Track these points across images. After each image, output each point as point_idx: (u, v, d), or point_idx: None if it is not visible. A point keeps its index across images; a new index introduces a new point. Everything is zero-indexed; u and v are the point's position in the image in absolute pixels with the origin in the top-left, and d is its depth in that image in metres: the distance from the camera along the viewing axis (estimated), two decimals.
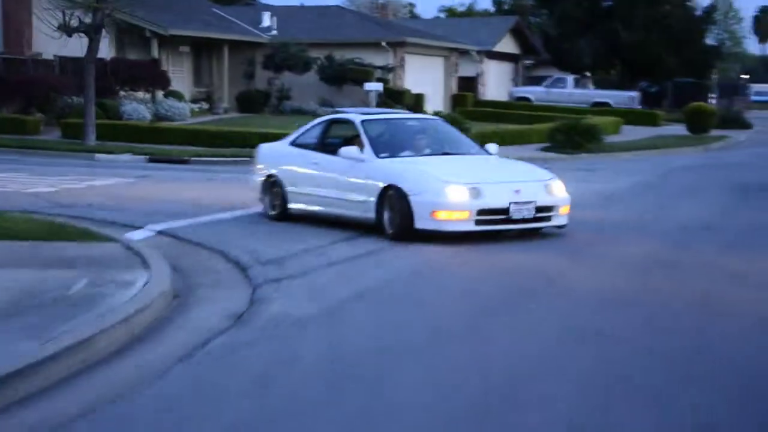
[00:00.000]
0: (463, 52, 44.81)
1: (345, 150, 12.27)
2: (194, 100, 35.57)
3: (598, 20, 50.27)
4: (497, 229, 11.38)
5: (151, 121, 30.41)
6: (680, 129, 36.53)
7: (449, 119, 24.73)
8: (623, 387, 5.87)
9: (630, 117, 39.90)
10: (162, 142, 26.99)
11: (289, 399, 5.65)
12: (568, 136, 26.28)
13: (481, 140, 21.89)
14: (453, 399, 5.62)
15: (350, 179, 12.09)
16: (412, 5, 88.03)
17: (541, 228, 11.76)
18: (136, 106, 31.01)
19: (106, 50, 32.53)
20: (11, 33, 34.04)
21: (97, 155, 24.77)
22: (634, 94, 46.92)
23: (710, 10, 53.77)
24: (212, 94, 37.43)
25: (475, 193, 11.33)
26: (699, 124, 34.94)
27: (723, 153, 29.23)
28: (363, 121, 12.72)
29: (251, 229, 12.38)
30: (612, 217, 13.97)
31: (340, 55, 37.94)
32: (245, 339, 6.98)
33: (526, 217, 11.50)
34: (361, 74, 37.15)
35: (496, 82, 49.59)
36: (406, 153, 12.40)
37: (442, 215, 11.17)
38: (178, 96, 33.63)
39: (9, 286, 7.81)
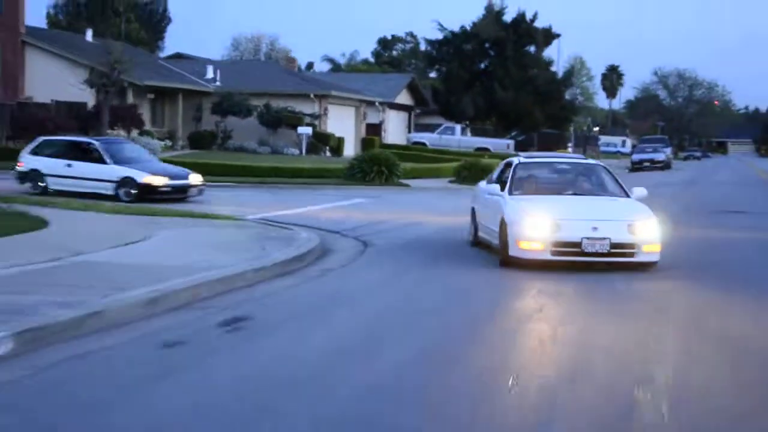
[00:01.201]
0: (370, 103, 53.68)
1: (489, 187, 14.51)
2: (159, 138, 43.07)
3: (478, 79, 60.15)
4: (571, 260, 12.39)
5: None
6: None
7: (383, 157, 33.36)
8: None
9: None
10: None
11: (375, 281, 13.94)
12: (470, 172, 35.26)
13: (398, 173, 31.32)
14: None
15: (495, 212, 13.61)
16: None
17: (623, 262, 12.45)
18: None
19: (87, 96, 39.91)
20: (9, 79, 40.85)
21: None
22: (510, 141, 56.78)
23: (568, 74, 64.53)
24: (174, 133, 44.99)
25: (555, 227, 12.43)
26: None
27: None
28: (518, 164, 14.66)
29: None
30: None
31: (276, 103, 46.16)
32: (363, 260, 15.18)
33: (599, 251, 12.40)
34: (293, 120, 45.49)
35: (395, 129, 58.68)
36: (542, 192, 13.88)
37: (524, 245, 12.48)
38: (150, 134, 41.12)
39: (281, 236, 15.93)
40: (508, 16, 61.73)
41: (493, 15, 60.85)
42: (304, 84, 49.18)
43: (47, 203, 19.99)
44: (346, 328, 8.87)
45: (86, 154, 23.91)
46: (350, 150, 48.25)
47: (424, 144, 55.20)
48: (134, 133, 40.78)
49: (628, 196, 13.85)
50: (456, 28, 61.85)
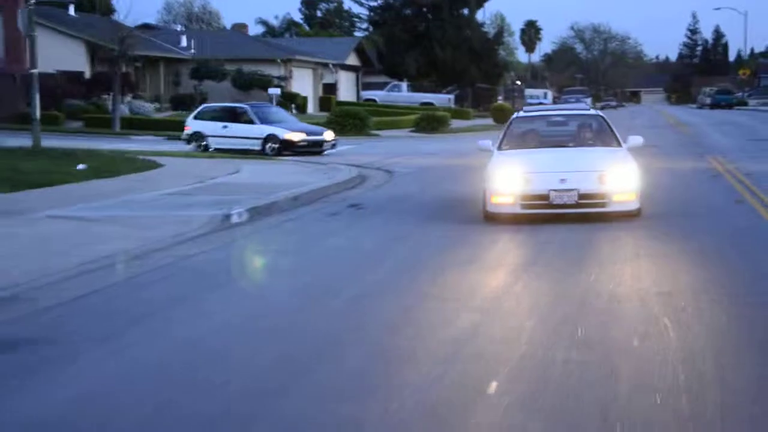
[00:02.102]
0: (325, 65, 59.93)
1: (481, 143, 14.62)
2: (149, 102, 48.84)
3: (418, 40, 66.71)
4: (541, 212, 12.51)
5: (130, 115, 43.63)
6: (487, 121, 53.21)
7: (356, 112, 39.85)
8: None
9: (450, 113, 56.35)
10: (152, 129, 40.37)
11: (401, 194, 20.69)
12: (428, 123, 42.08)
13: (339, 119, 37.96)
14: None
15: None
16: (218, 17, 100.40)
17: (595, 213, 12.46)
18: (119, 106, 44.10)
19: (84, 66, 45.50)
20: (18, 53, 46.00)
21: (132, 137, 38.11)
22: (451, 96, 63.65)
23: (499, 34, 71.53)
24: (159, 96, 50.74)
25: (524, 180, 12.57)
26: (502, 117, 51.71)
27: None
28: (514, 119, 15.13)
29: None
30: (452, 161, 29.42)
31: (247, 68, 52.14)
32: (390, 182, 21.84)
33: (567, 203, 12.44)
34: (263, 82, 51.56)
35: (346, 88, 65.06)
36: (532, 146, 14.08)
37: (495, 199, 12.71)
38: (142, 98, 46.87)
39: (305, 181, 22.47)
40: None
41: None
42: (271, 50, 55.27)
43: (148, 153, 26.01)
44: (416, 205, 15.57)
45: (239, 116, 28.98)
46: (311, 108, 54.58)
47: (374, 100, 61.70)
48: (128, 97, 46.44)
49: (620, 145, 13.86)
50: None
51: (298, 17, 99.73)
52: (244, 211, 14.16)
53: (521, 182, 12.64)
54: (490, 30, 75.69)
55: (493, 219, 12.80)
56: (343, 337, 6.99)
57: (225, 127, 28.84)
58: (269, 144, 28.15)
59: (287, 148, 27.98)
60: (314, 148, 28.22)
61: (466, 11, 68.80)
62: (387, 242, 11.84)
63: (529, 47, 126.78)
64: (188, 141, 29.23)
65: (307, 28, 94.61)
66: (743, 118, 55.48)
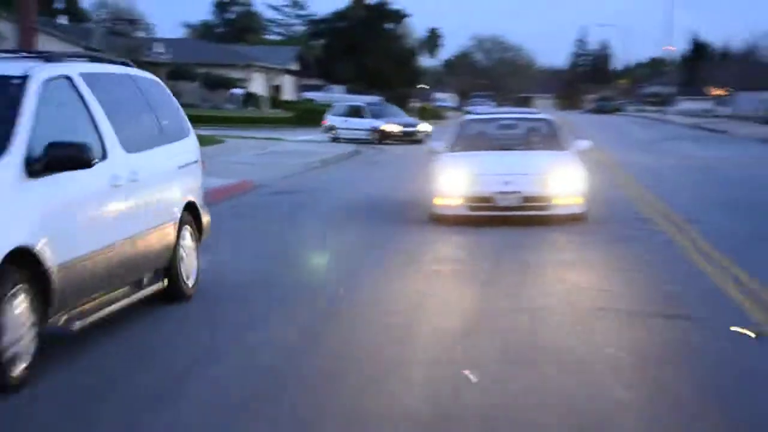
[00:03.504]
0: (271, 69, 70.90)
1: (433, 145, 15.29)
2: None
3: (351, 50, 78.20)
4: (486, 215, 12.61)
5: None
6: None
7: (313, 108, 51.06)
8: None
9: None
10: None
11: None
12: None
13: (303, 114, 48.79)
14: None
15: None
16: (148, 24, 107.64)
17: (539, 215, 12.59)
18: None
19: None
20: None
21: None
22: (380, 98, 75.05)
23: (415, 47, 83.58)
24: None
25: (470, 182, 12.72)
26: (426, 115, 63.81)
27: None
28: (463, 121, 15.49)
29: None
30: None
31: (214, 71, 62.79)
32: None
33: (511, 205, 12.57)
34: (229, 83, 62.33)
35: (289, 89, 76.14)
36: (481, 148, 14.12)
37: (441, 200, 12.87)
38: None
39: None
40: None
41: (360, 2, 79.11)
42: (230, 55, 66.16)
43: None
44: (407, 159, 27.02)
45: (357, 113, 37.59)
46: (265, 106, 65.52)
47: (313, 101, 72.88)
48: None
49: (568, 148, 13.90)
50: (329, 11, 79.20)
51: (213, 20, 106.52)
52: (317, 160, 25.69)
53: (467, 184, 12.82)
54: (410, 41, 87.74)
55: (439, 220, 12.95)
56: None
57: (345, 121, 37.56)
58: (373, 134, 35.98)
59: (385, 138, 35.85)
60: (408, 137, 35.43)
61: (391, 25, 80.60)
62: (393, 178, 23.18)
63: (432, 53, 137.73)
64: (326, 131, 37.91)
65: (222, 30, 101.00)
66: (619, 120, 69.13)
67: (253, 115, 52.14)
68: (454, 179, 13.10)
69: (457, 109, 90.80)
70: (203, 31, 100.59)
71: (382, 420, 5.20)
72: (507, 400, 5.51)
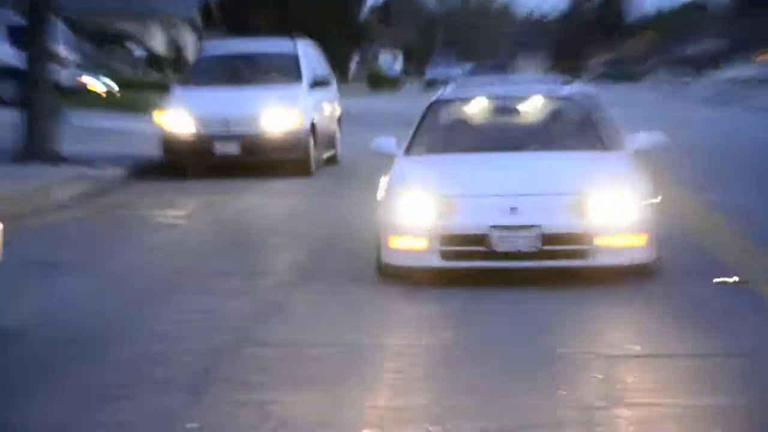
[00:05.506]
0: (172, 21, 61.98)
1: (379, 144, 8.95)
2: None
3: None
4: (475, 266, 7.46)
5: None
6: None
7: None
8: None
9: None
10: None
11: None
12: None
13: None
14: None
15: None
16: None
17: (566, 268, 7.40)
18: None
19: None
20: None
21: None
22: None
23: None
24: None
25: (446, 208, 7.47)
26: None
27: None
28: (433, 102, 9.27)
29: None
30: None
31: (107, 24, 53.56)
32: None
33: (522, 250, 7.32)
34: (123, 40, 54.16)
35: (192, 48, 67.63)
36: (463, 147, 8.71)
37: (395, 242, 7.58)
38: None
39: None
40: None
41: None
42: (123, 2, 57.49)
43: None
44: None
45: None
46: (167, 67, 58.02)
47: None
48: None
49: (617, 148, 8.46)
50: None
51: None
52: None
53: (441, 212, 7.53)
54: None
55: (392, 275, 7.65)
56: None
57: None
58: None
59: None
60: None
61: None
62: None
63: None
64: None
65: None
66: (646, 95, 46.74)
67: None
68: (419, 204, 7.61)
69: (407, 74, 74.25)
70: None
71: None
72: None
